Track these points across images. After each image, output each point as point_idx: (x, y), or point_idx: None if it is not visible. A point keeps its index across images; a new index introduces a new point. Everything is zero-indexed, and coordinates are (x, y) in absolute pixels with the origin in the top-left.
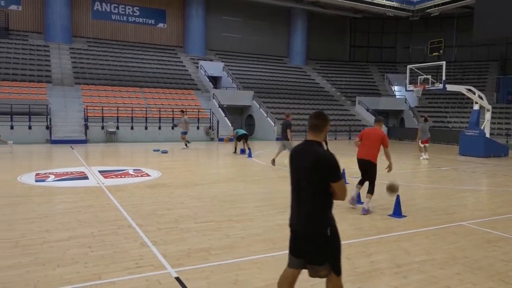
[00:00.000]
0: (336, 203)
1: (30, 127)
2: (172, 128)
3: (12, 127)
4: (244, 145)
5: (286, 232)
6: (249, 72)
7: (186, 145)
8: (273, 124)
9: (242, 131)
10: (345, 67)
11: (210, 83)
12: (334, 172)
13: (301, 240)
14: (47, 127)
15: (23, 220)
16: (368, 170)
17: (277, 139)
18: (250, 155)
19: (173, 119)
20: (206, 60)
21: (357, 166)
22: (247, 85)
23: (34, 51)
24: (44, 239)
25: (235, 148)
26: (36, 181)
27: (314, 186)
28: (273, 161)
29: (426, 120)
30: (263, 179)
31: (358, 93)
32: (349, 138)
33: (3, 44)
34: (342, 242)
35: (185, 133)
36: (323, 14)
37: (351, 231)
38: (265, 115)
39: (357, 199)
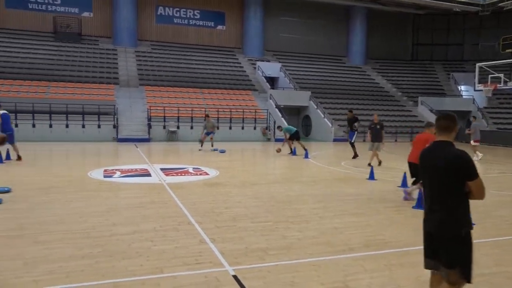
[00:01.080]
0: (395, 208)
1: (99, 126)
2: (230, 128)
3: (83, 126)
4: (291, 144)
5: (343, 236)
6: (306, 72)
7: (201, 146)
8: (330, 125)
9: (293, 129)
10: (407, 66)
11: (267, 83)
12: (472, 170)
13: (434, 241)
14: (114, 126)
15: (94, 213)
16: (414, 174)
17: (335, 140)
18: (306, 156)
19: (230, 120)
20: (263, 61)
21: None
22: (304, 86)
23: (103, 54)
24: (111, 232)
25: (291, 149)
26: (104, 176)
27: (449, 186)
28: (380, 162)
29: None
30: (319, 180)
31: (421, 93)
32: (410, 140)
33: (76, 49)
34: (405, 249)
35: (209, 133)
36: (384, 12)
37: (414, 237)
38: (322, 115)
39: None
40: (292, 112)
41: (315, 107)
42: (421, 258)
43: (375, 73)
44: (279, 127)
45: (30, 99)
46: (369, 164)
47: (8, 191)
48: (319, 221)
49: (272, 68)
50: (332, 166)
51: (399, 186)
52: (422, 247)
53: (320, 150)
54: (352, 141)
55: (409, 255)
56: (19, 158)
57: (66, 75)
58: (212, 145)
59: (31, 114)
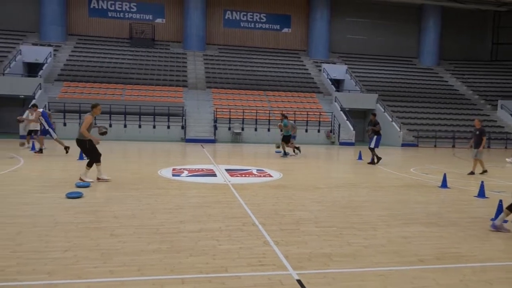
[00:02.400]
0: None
1: (168, 127)
2: None
3: (154, 127)
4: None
5: (412, 246)
6: (374, 74)
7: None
8: (398, 129)
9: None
10: (486, 67)
11: (332, 86)
12: None
13: None
14: (182, 127)
15: (163, 210)
16: None
17: (403, 145)
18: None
19: (294, 122)
20: (329, 63)
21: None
22: (371, 88)
23: (174, 58)
24: (179, 229)
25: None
26: (173, 175)
27: None
28: (484, 171)
29: None
30: (387, 186)
31: (502, 96)
32: (489, 147)
33: (149, 53)
34: (481, 264)
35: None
36: (460, 9)
37: (492, 252)
38: (390, 119)
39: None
40: (358, 115)
41: (383, 110)
42: (499, 275)
43: (449, 75)
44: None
45: (108, 100)
46: (472, 173)
47: (87, 186)
48: (386, 229)
49: (337, 70)
50: (400, 172)
51: (475, 196)
52: (501, 263)
53: (388, 155)
54: (372, 146)
55: (487, 272)
56: (40, 151)
57: (140, 78)
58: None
59: (108, 115)
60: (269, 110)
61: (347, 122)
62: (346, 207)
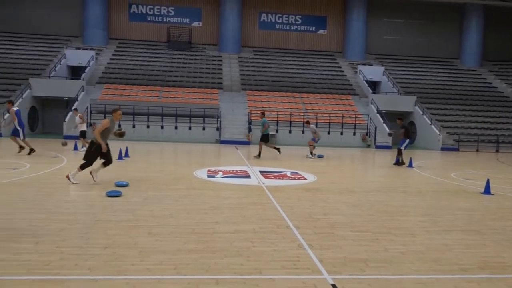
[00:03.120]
0: None
1: (204, 128)
2: (328, 133)
3: (190, 128)
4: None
5: (453, 254)
6: (412, 76)
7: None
8: (437, 133)
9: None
10: None
11: (368, 88)
12: None
13: None
14: (217, 129)
15: (198, 210)
16: None
17: (442, 149)
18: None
19: (329, 125)
20: (365, 64)
21: None
22: (409, 90)
23: (209, 61)
24: (214, 230)
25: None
26: (208, 176)
27: None
28: None
29: None
30: (425, 192)
31: None
32: None
33: (186, 56)
34: None
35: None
36: (505, 8)
37: None
38: (429, 122)
39: None
40: (395, 118)
41: (421, 112)
42: None
43: (493, 76)
44: (389, 134)
45: (145, 102)
46: None
47: (126, 185)
48: (425, 236)
49: (374, 72)
50: (440, 177)
51: None
52: None
53: (426, 159)
54: (402, 148)
55: None
56: (21, 149)
57: (177, 80)
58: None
59: (146, 116)
60: (304, 112)
61: (384, 125)
62: (382, 211)
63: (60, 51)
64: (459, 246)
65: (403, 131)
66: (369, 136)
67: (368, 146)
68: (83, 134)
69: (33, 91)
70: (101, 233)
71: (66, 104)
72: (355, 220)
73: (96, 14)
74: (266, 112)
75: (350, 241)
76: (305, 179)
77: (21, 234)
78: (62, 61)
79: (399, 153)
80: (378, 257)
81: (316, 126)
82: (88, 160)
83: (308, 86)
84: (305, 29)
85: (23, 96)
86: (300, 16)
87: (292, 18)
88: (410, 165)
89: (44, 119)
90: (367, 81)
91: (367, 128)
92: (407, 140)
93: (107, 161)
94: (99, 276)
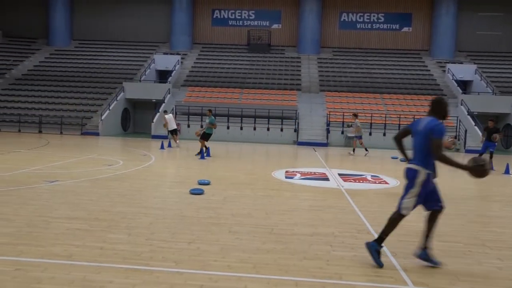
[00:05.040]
0: None
1: (281, 130)
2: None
3: (268, 129)
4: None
5: None
6: (509, 74)
7: (366, 149)
8: None
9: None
10: None
11: (458, 88)
12: None
13: None
14: (295, 130)
15: (277, 211)
16: None
17: None
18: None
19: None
20: (454, 62)
21: None
22: (506, 90)
23: (288, 62)
24: (292, 231)
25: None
26: (286, 177)
27: None
28: None
29: None
30: None
31: None
32: None
33: (265, 58)
34: None
35: (359, 137)
36: None
37: None
38: None
39: None
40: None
41: None
42: None
43: None
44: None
45: (226, 104)
46: None
47: (208, 184)
48: None
49: (465, 70)
50: None
51: None
52: None
53: None
54: (487, 151)
55: None
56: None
57: (256, 82)
58: (366, 149)
59: (226, 118)
60: (385, 114)
61: (475, 127)
62: (474, 221)
63: (150, 56)
64: None
65: (497, 134)
66: (458, 140)
67: (457, 150)
68: (173, 132)
69: (126, 94)
70: (185, 229)
71: (154, 105)
72: (444, 229)
73: (182, 21)
74: (345, 114)
75: (438, 252)
76: (386, 183)
77: (116, 225)
78: (151, 65)
79: (491, 157)
80: (470, 271)
81: (399, 128)
82: None
83: (391, 86)
84: (388, 27)
85: (118, 98)
86: (383, 14)
87: (374, 16)
88: (507, 171)
89: (135, 119)
90: (456, 81)
91: (456, 131)
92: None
93: None
94: (184, 270)
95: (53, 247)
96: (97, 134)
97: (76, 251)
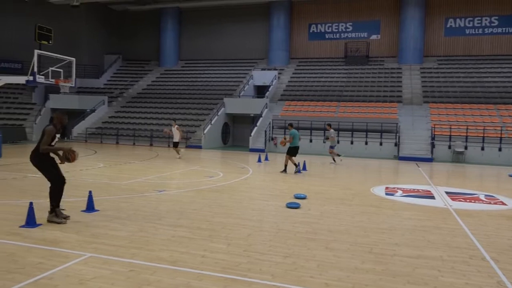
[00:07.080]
0: None
1: (381, 144)
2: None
3: (366, 143)
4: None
5: None
6: None
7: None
8: None
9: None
10: None
11: None
12: None
13: None
14: (395, 144)
15: (376, 229)
16: None
17: None
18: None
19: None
20: None
21: None
22: None
23: (388, 74)
24: (394, 252)
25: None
26: (386, 194)
27: None
28: None
29: None
30: None
31: None
32: None
33: (363, 70)
34: None
35: (333, 147)
36: None
37: None
38: None
39: None
40: None
41: None
42: None
43: None
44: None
45: (322, 118)
46: None
47: (304, 198)
48: None
49: None
50: None
51: None
52: None
53: None
54: None
55: None
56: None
57: (354, 95)
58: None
59: (322, 131)
60: (501, 127)
61: None
62: None
63: (248, 72)
64: None
65: None
66: None
67: None
68: (175, 144)
69: (226, 109)
70: (282, 242)
71: (252, 120)
72: None
73: (280, 38)
74: (452, 127)
75: None
76: (504, 204)
77: (217, 235)
78: (250, 81)
79: None
80: None
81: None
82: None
83: (507, 96)
84: (504, 31)
85: (218, 113)
86: (496, 17)
87: (486, 20)
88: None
89: (234, 133)
90: None
91: None
92: None
93: None
94: (281, 284)
95: (161, 252)
96: (199, 147)
97: (181, 257)
